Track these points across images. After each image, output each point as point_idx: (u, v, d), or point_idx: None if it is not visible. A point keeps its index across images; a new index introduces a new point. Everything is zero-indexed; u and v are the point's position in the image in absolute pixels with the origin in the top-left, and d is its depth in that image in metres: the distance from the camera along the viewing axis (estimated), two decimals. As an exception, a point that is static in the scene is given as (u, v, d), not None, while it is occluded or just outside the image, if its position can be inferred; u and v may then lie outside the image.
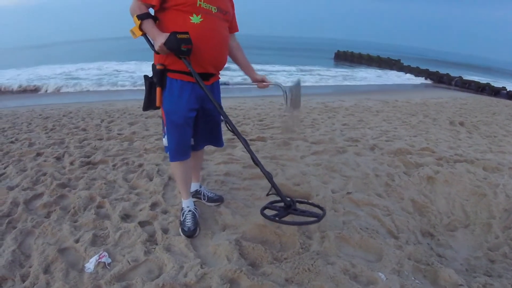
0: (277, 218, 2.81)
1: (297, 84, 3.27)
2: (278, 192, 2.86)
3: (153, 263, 2.79)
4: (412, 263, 2.89)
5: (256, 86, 3.29)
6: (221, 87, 3.22)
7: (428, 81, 27.11)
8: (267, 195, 2.97)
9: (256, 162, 2.86)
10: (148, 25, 2.66)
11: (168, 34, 2.55)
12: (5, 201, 3.76)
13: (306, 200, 3.15)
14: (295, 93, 3.24)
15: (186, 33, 2.57)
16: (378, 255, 3.00)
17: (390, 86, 23.04)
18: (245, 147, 2.86)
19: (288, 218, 2.94)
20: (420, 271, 2.86)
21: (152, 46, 2.71)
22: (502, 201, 4.20)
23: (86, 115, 8.56)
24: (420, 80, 27.12)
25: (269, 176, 2.86)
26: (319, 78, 23.69)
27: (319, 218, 2.77)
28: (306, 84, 20.63)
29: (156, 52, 2.69)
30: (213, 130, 3.23)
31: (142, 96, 2.93)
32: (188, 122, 2.92)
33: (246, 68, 3.28)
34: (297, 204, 3.01)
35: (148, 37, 2.72)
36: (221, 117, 2.93)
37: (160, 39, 2.56)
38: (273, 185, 2.85)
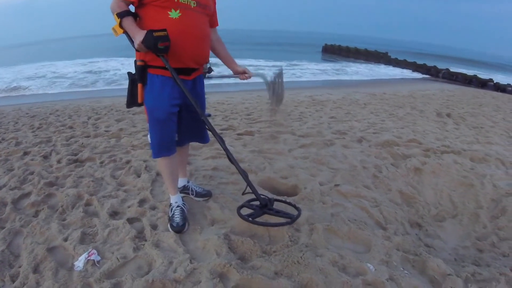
0: (250, 219, 2.81)
1: (279, 74, 3.25)
2: (253, 191, 2.86)
3: (142, 260, 2.79)
4: (401, 254, 2.91)
5: (238, 77, 3.28)
6: (205, 81, 3.22)
7: (420, 75, 27.15)
8: (243, 194, 2.96)
9: (232, 161, 2.85)
10: (127, 22, 2.64)
11: (145, 31, 2.54)
12: (-8, 201, 3.72)
13: (283, 199, 3.14)
14: (278, 84, 3.23)
15: (164, 30, 2.55)
16: (366, 246, 3.03)
17: (378, 79, 23.12)
18: (221, 145, 2.84)
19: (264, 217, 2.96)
20: (409, 261, 2.88)
21: (132, 43, 2.69)
22: (489, 191, 4.24)
23: (73, 113, 8.51)
24: (418, 75, 27.09)
25: (244, 175, 2.85)
26: (308, 72, 23.66)
27: (292, 219, 2.79)
28: (294, 79, 20.68)
29: (136, 50, 2.68)
30: (197, 125, 3.20)
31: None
32: (171, 117, 2.90)
33: (227, 61, 3.26)
34: (275, 202, 3.01)
35: (127, 34, 2.71)
36: (206, 112, 2.92)
37: (138, 37, 2.55)
38: (249, 183, 2.85)
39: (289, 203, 3.12)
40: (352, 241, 3.11)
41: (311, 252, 2.78)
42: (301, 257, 2.72)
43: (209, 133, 3.07)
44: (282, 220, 2.85)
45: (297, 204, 3.11)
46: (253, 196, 2.95)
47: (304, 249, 2.82)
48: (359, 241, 3.10)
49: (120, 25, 2.64)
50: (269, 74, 3.25)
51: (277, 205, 3.07)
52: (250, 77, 3.23)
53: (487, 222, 3.80)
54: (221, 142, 2.84)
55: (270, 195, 3.58)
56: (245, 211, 2.96)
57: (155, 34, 2.52)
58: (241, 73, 3.23)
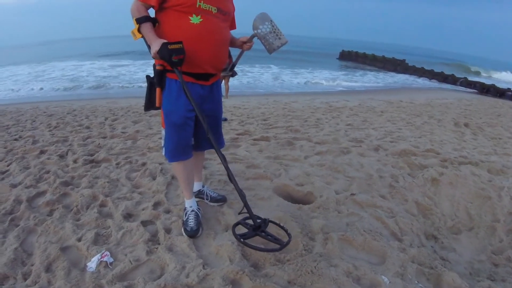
0: (242, 239, 2.79)
1: (262, 17, 3.09)
2: (249, 212, 2.84)
3: (155, 263, 2.78)
4: (416, 266, 2.87)
5: (244, 51, 3.22)
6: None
7: (437, 83, 26.89)
8: (239, 213, 2.97)
9: (232, 180, 2.83)
10: (146, 29, 2.66)
11: (161, 42, 2.55)
12: (8, 198, 3.76)
13: (278, 223, 3.10)
14: (267, 27, 3.08)
15: (179, 42, 2.57)
16: (381, 258, 2.99)
17: (395, 86, 22.98)
18: (223, 163, 2.82)
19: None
20: (424, 275, 2.84)
21: (149, 49, 2.70)
22: (507, 204, 4.17)
23: (90, 113, 8.57)
24: (435, 83, 26.83)
25: (242, 195, 2.83)
26: (325, 78, 23.55)
27: (280, 247, 2.74)
28: (311, 85, 20.64)
29: (152, 57, 2.69)
30: (214, 130, 3.20)
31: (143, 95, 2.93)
32: (188, 122, 2.91)
33: (232, 42, 3.18)
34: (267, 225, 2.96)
35: (145, 39, 2.72)
36: (223, 115, 2.91)
37: (154, 46, 2.57)
38: (245, 204, 2.83)
39: (283, 227, 3.07)
40: (367, 252, 3.07)
41: (325, 262, 2.75)
42: (315, 266, 2.69)
43: (224, 137, 3.05)
44: (271, 245, 2.84)
45: (288, 231, 3.04)
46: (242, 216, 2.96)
47: (318, 258, 2.79)
48: (374, 252, 3.06)
49: (138, 31, 2.65)
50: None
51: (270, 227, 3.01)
52: (251, 43, 3.13)
53: (503, 235, 3.74)
54: (223, 160, 2.82)
55: (279, 212, 3.54)
56: (240, 229, 2.94)
57: (170, 46, 2.53)
58: (245, 43, 3.14)
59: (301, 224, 3.28)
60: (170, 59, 2.56)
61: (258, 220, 2.88)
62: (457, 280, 2.75)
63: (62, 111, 8.99)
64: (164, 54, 2.54)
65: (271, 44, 3.06)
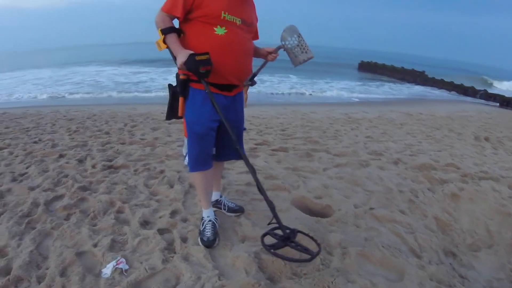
0: (272, 250, 2.78)
1: (291, 29, 3.06)
2: (279, 223, 2.81)
3: (170, 272, 2.76)
4: (434, 284, 2.83)
5: (267, 62, 3.19)
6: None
7: (456, 95, 26.67)
8: (268, 224, 2.91)
9: (261, 191, 2.80)
10: (171, 40, 2.68)
11: (188, 53, 2.55)
12: (25, 201, 3.78)
13: (307, 233, 3.07)
14: (295, 40, 3.04)
15: (206, 53, 2.57)
16: (399, 274, 2.94)
17: (414, 98, 22.82)
18: (252, 175, 2.80)
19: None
20: (442, 293, 2.79)
21: (175, 60, 2.70)
22: (527, 221, 4.10)
23: (109, 119, 8.64)
24: (455, 96, 26.60)
25: (271, 206, 2.80)
26: (344, 89, 23.49)
27: (311, 257, 2.71)
28: (330, 95, 20.59)
29: (178, 68, 2.69)
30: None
31: (163, 102, 2.93)
32: (210, 132, 2.91)
33: (256, 52, 3.18)
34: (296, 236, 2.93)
35: (170, 50, 2.72)
36: (244, 126, 2.91)
37: (180, 57, 2.58)
38: (275, 215, 2.80)
39: (312, 238, 3.04)
40: (385, 268, 3.03)
41: (342, 278, 2.72)
42: (332, 282, 2.66)
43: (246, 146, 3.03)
44: (302, 255, 2.79)
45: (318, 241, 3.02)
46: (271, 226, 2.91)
47: (336, 273, 2.76)
48: (392, 268, 3.02)
49: (164, 41, 2.66)
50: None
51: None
52: (276, 54, 3.12)
53: (523, 253, 3.67)
54: (253, 172, 2.81)
55: (297, 225, 3.51)
56: (268, 238, 2.92)
57: (197, 58, 2.54)
58: (270, 53, 3.13)
59: (319, 237, 3.24)
60: (198, 71, 2.57)
61: (287, 231, 2.85)
62: (476, 299, 2.70)
63: (82, 115, 9.08)
64: (191, 65, 2.55)
65: (297, 58, 3.04)
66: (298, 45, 3.03)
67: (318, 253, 2.75)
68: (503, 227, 4.07)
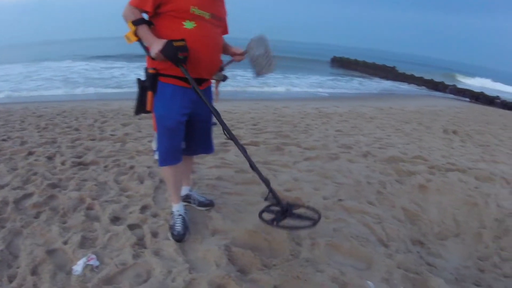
0: (275, 223, 2.76)
1: (260, 40, 3.08)
2: (275, 197, 2.82)
3: (141, 267, 2.77)
4: (402, 272, 2.89)
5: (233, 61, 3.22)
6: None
7: (427, 90, 27.11)
8: (265, 200, 2.92)
9: (254, 168, 2.82)
10: (143, 30, 2.65)
11: (165, 41, 2.55)
12: (-6, 199, 3.72)
13: (302, 204, 3.12)
14: (261, 51, 3.06)
15: (183, 40, 2.57)
16: (368, 264, 3.01)
17: (385, 93, 23.11)
18: (243, 154, 2.82)
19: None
20: (410, 280, 2.86)
21: (147, 51, 2.69)
22: (493, 211, 4.22)
23: (79, 115, 8.50)
24: (425, 91, 27.00)
25: (267, 183, 2.82)
26: (316, 84, 23.59)
27: (314, 222, 2.73)
28: (301, 90, 20.65)
29: (152, 58, 2.67)
30: (204, 135, 3.22)
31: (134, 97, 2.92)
32: (180, 126, 2.91)
33: (225, 48, 3.18)
34: (294, 207, 2.96)
35: (141, 42, 2.71)
36: (213, 121, 2.91)
37: (156, 46, 2.56)
38: (271, 190, 2.81)
39: (308, 207, 3.06)
40: (354, 257, 3.09)
41: (311, 267, 2.77)
42: (301, 272, 2.70)
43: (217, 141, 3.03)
44: (303, 223, 2.80)
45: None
46: (268, 202, 2.92)
47: (305, 263, 2.81)
48: (360, 257, 3.08)
49: (135, 33, 2.65)
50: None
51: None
52: (243, 56, 3.14)
53: (489, 242, 3.77)
54: (243, 151, 2.83)
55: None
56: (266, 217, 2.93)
57: (175, 44, 2.53)
58: (238, 54, 3.15)
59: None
60: (176, 57, 2.56)
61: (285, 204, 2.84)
62: (443, 286, 2.77)
63: (52, 112, 8.92)
64: (169, 52, 2.54)
65: (259, 69, 3.04)
66: (263, 57, 3.04)
67: (319, 218, 2.76)
68: (470, 217, 4.18)
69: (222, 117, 2.83)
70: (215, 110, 2.80)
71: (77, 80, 18.91)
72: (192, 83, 2.70)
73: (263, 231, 3.22)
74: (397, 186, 4.65)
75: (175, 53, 2.54)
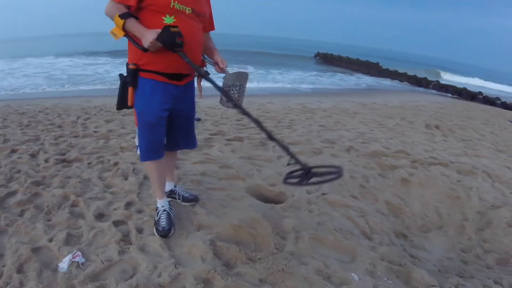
0: (303, 183, 2.79)
1: (238, 77, 3.05)
2: (297, 160, 2.82)
3: (127, 263, 2.77)
4: (385, 264, 2.94)
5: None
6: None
7: (410, 86, 27.33)
8: (287, 165, 2.88)
9: (273, 138, 2.82)
10: (132, 23, 2.61)
11: (160, 29, 2.53)
12: (-22, 198, 3.68)
13: (320, 164, 3.11)
14: (235, 86, 3.03)
15: (176, 26, 2.57)
16: (351, 256, 3.05)
17: (368, 88, 23.26)
18: (258, 126, 2.81)
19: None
20: (393, 272, 2.91)
21: (136, 44, 2.68)
22: (475, 203, 4.29)
23: (62, 112, 8.42)
24: (408, 86, 27.20)
25: (286, 148, 2.81)
26: (299, 80, 23.66)
27: (340, 172, 2.73)
28: (284, 86, 20.68)
29: (144, 50, 2.64)
30: (187, 130, 3.21)
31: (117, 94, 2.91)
32: (161, 121, 2.90)
33: (210, 50, 3.18)
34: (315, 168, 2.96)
35: (129, 36, 2.69)
36: (196, 117, 2.90)
37: (151, 34, 2.53)
38: (292, 155, 2.81)
39: (327, 166, 3.05)
40: (338, 250, 3.13)
41: (296, 260, 2.79)
42: (286, 265, 2.73)
43: (197, 137, 3.03)
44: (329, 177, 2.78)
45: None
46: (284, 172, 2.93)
47: (289, 257, 2.83)
48: (344, 250, 3.12)
49: (123, 27, 2.62)
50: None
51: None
52: (222, 70, 3.09)
53: (472, 234, 3.84)
54: (258, 123, 2.82)
55: (251, 212, 3.55)
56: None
57: (172, 29, 2.53)
58: (217, 63, 3.10)
59: (273, 223, 3.32)
60: (175, 41, 2.55)
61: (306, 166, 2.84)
62: (426, 277, 2.83)
63: (34, 109, 8.82)
64: (167, 37, 2.53)
65: (226, 100, 3.00)
66: (236, 90, 3.02)
67: (341, 169, 2.76)
68: (453, 210, 4.26)
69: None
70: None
71: (60, 77, 18.70)
72: (193, 65, 2.72)
73: (248, 225, 3.25)
74: (380, 180, 4.70)
75: (173, 38, 2.53)
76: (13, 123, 7.00)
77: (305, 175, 2.81)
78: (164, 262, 2.75)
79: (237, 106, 2.84)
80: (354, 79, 27.32)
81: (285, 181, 2.84)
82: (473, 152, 7.02)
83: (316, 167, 2.95)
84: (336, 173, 2.75)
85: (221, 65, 3.06)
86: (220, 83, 2.90)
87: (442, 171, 5.19)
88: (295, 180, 2.81)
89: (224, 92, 2.85)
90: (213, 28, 3.19)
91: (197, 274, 2.60)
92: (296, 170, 2.89)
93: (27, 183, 3.98)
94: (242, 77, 3.06)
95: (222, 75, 3.03)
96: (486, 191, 4.71)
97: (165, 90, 2.81)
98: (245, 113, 2.83)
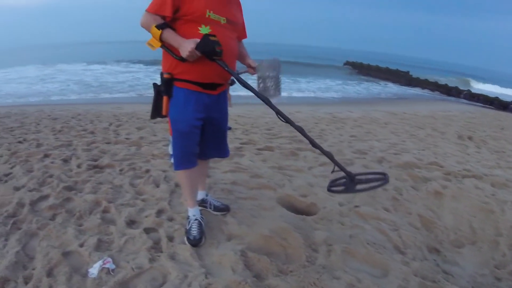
0: (350, 190, 2.80)
1: (273, 64, 3.05)
2: (341, 168, 2.80)
3: (157, 271, 2.77)
4: (418, 280, 2.86)
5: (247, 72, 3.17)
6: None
7: (440, 95, 27.01)
8: (332, 172, 2.87)
9: (316, 145, 2.82)
10: (170, 33, 2.63)
11: (199, 39, 2.55)
12: (10, 201, 3.73)
13: (364, 171, 3.08)
14: (271, 75, 3.04)
15: (214, 35, 2.58)
16: (384, 271, 2.98)
17: (398, 98, 23.04)
18: (302, 133, 2.82)
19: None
20: (426, 288, 2.83)
21: (173, 54, 2.68)
22: (510, 218, 4.17)
23: (94, 118, 8.57)
24: (439, 95, 26.89)
25: (330, 156, 2.81)
26: (328, 89, 23.57)
27: (385, 178, 2.72)
28: (314, 95, 20.62)
29: (182, 60, 2.66)
30: (219, 139, 3.21)
31: (149, 102, 2.93)
32: (194, 130, 2.91)
33: (242, 56, 3.19)
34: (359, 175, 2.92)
35: (165, 46, 2.71)
36: (228, 126, 2.91)
37: (189, 44, 2.55)
38: (336, 163, 2.79)
39: (371, 172, 3.02)
40: (370, 264, 3.06)
41: (328, 274, 2.75)
42: (317, 278, 2.68)
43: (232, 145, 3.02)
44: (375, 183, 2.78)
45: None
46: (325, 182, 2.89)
47: (321, 270, 2.79)
48: (377, 265, 3.06)
49: (160, 37, 2.64)
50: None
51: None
52: (254, 72, 3.10)
53: (506, 250, 3.72)
54: (301, 130, 2.82)
55: (282, 223, 3.53)
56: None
57: (211, 38, 2.54)
58: (251, 67, 3.11)
59: (304, 235, 3.27)
60: (215, 49, 2.56)
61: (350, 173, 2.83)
62: (459, 295, 2.75)
63: (67, 115, 9.00)
64: (207, 46, 2.55)
65: (265, 90, 3.00)
66: (274, 79, 3.02)
67: (387, 175, 2.76)
68: (486, 224, 4.14)
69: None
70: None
71: (93, 84, 19.06)
72: (233, 74, 2.74)
73: (279, 236, 3.22)
74: (412, 193, 4.61)
75: (213, 47, 2.55)
76: (46, 128, 7.15)
77: (349, 182, 2.80)
78: (195, 271, 2.73)
79: (279, 113, 2.83)
80: (383, 88, 27.18)
81: (329, 189, 2.84)
82: (506, 164, 6.84)
83: (360, 174, 2.93)
84: (381, 179, 2.74)
85: (253, 65, 3.08)
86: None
87: (476, 184, 5.07)
88: (340, 188, 2.81)
89: (268, 102, 2.83)
90: (245, 36, 3.21)
91: (228, 285, 2.57)
92: (340, 178, 2.86)
93: (59, 188, 4.04)
94: (275, 65, 3.05)
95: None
96: (521, 205, 4.58)
97: (198, 99, 2.82)
98: (287, 121, 2.82)
